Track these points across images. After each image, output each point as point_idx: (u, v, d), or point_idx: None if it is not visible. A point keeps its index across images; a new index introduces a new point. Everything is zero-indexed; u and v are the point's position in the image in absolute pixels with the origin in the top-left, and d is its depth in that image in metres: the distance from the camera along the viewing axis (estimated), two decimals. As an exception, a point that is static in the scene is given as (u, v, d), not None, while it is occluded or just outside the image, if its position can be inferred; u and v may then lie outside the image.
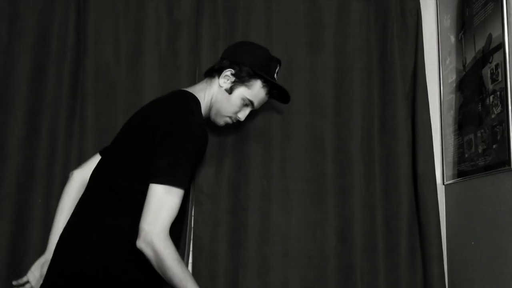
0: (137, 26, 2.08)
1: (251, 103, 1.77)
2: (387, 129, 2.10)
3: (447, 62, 2.14)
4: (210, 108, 1.77)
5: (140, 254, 1.44)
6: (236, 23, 2.10)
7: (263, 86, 1.77)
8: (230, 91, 1.74)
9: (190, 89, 1.75)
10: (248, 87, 1.75)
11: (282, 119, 2.05)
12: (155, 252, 1.42)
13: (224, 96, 1.75)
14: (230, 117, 1.79)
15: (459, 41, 2.03)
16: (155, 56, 2.06)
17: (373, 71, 2.12)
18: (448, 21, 2.13)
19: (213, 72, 1.77)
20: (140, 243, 1.42)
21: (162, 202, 1.44)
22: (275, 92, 1.84)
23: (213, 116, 1.79)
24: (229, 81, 1.74)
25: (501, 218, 1.69)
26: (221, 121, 1.80)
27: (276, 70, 1.82)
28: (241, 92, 1.75)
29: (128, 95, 2.05)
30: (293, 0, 2.13)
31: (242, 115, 1.79)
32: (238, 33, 2.09)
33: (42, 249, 1.91)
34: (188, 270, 1.51)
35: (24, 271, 1.90)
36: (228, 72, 1.74)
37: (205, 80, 1.80)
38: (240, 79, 1.74)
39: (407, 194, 2.05)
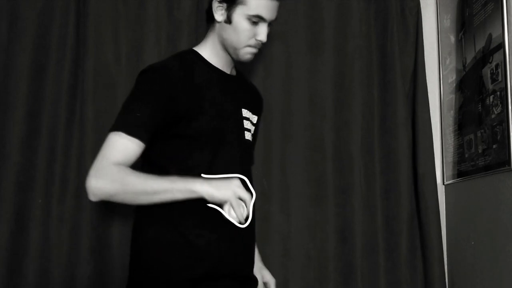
0: (137, 26, 2.08)
1: (259, 17, 1.49)
2: (387, 129, 2.10)
3: (447, 62, 2.14)
4: (227, 51, 1.55)
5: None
6: (236, 23, 2.10)
7: None
8: (229, 20, 1.50)
9: (195, 47, 1.59)
10: (243, 3, 1.48)
11: (282, 119, 2.05)
12: (93, 194, 1.36)
13: (228, 30, 1.51)
14: (250, 46, 1.52)
15: (459, 41, 2.03)
16: (155, 55, 2.05)
17: (373, 71, 2.13)
18: (448, 21, 2.13)
19: (208, 15, 1.56)
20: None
21: (103, 147, 1.37)
22: None
23: (234, 57, 1.55)
24: (222, 11, 1.51)
25: (501, 218, 1.69)
26: (244, 56, 1.53)
27: None
28: (239, 13, 1.49)
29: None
30: (293, 1, 2.13)
31: (261, 36, 1.50)
32: (238, 33, 2.09)
33: (42, 249, 1.94)
34: (147, 177, 1.37)
35: (24, 270, 1.92)
36: (215, 3, 1.51)
37: (208, 30, 1.59)
38: (230, 1, 1.49)
39: (407, 194, 2.05)
